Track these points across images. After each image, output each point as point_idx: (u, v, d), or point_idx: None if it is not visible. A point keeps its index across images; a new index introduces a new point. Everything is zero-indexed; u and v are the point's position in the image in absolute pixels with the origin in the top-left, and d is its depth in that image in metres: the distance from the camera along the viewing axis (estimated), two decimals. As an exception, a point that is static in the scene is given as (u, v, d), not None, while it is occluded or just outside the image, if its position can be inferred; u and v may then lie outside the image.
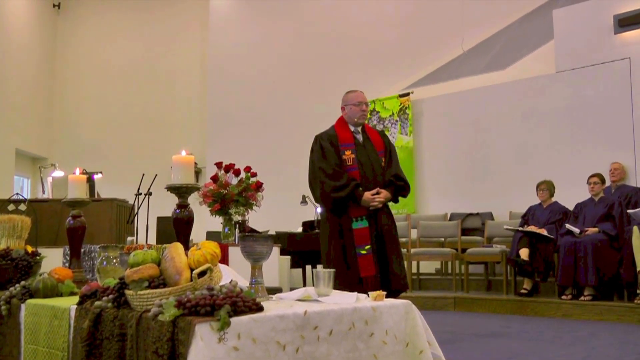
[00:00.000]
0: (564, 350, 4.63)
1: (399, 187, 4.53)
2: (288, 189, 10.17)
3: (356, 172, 4.43)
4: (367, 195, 4.36)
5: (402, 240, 8.57)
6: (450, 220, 8.87)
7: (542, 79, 8.94)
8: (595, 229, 6.60)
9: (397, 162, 4.67)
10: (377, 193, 4.39)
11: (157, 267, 2.23)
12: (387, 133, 10.21)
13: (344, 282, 4.25)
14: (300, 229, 8.91)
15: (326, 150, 4.54)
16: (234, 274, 2.98)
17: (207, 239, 5.33)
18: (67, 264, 4.25)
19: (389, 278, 4.34)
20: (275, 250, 5.87)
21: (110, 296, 2.27)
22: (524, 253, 6.88)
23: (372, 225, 4.39)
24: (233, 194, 5.01)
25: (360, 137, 4.62)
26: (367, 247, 4.32)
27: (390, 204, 4.60)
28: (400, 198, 4.63)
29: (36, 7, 12.75)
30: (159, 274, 2.21)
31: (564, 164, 8.39)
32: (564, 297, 6.68)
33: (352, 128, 4.62)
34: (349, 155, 4.50)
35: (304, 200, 9.33)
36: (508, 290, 7.38)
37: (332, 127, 4.72)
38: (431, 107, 9.78)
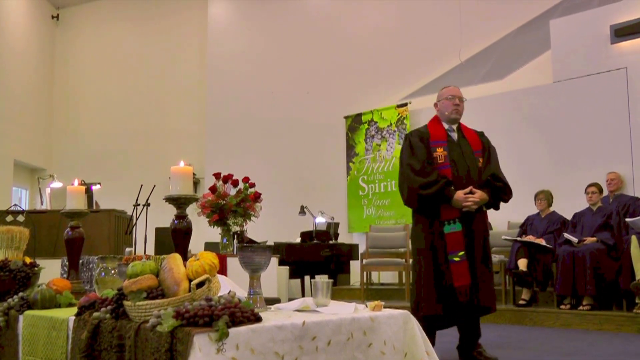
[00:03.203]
0: (563, 360, 4.62)
1: (497, 189, 4.09)
2: (286, 200, 10.19)
3: (448, 170, 4.04)
4: (460, 194, 3.96)
5: (400, 251, 8.60)
6: (448, 230, 8.84)
7: (539, 89, 8.98)
8: (594, 239, 6.61)
9: (496, 163, 4.21)
10: (471, 193, 3.98)
11: (156, 278, 2.23)
12: (384, 143, 10.44)
13: (436, 293, 3.96)
14: (298, 240, 8.91)
15: (415, 147, 4.15)
16: (232, 284, 2.98)
17: (205, 250, 5.33)
18: (65, 275, 4.25)
19: (477, 290, 3.96)
20: (274, 260, 5.88)
21: (109, 307, 2.27)
22: (522, 263, 6.88)
23: (466, 229, 4.00)
24: (231, 205, 5.02)
25: (455, 135, 4.22)
26: (461, 253, 3.93)
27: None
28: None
29: (35, 18, 12.80)
30: (158, 284, 2.21)
31: (562, 173, 8.41)
32: (562, 306, 6.67)
33: (445, 125, 4.25)
34: (440, 152, 4.09)
35: (302, 211, 9.34)
36: (507, 300, 7.37)
37: (426, 125, 4.35)
38: (429, 117, 9.75)
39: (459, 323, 4.21)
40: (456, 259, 3.93)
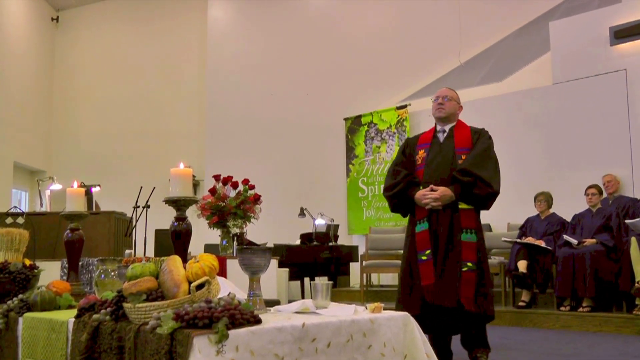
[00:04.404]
0: (563, 362, 4.62)
1: (466, 184, 3.87)
2: (286, 202, 10.19)
3: (421, 171, 4.07)
4: (419, 193, 3.95)
5: (400, 253, 8.57)
6: (448, 231, 8.84)
7: (539, 90, 8.99)
8: (593, 240, 6.60)
9: (474, 158, 3.96)
10: (433, 191, 3.90)
11: (155, 280, 2.23)
12: (384, 145, 10.45)
13: (409, 293, 4.00)
14: (298, 241, 8.91)
15: (397, 153, 4.35)
16: (232, 286, 2.98)
17: (205, 252, 5.33)
18: (65, 277, 4.24)
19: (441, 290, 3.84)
20: (274, 262, 5.87)
21: (108, 309, 2.27)
22: (522, 265, 6.88)
23: (434, 227, 3.94)
24: (231, 207, 5.01)
25: (443, 135, 4.19)
26: (428, 252, 3.91)
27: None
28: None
29: (34, 20, 12.80)
30: (157, 286, 2.21)
31: (562, 175, 8.42)
32: (562, 308, 6.67)
33: (437, 127, 4.25)
34: (421, 154, 4.14)
35: (302, 213, 9.34)
36: (506, 301, 7.36)
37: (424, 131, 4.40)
38: (429, 119, 9.78)
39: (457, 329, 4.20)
40: (423, 257, 3.94)
